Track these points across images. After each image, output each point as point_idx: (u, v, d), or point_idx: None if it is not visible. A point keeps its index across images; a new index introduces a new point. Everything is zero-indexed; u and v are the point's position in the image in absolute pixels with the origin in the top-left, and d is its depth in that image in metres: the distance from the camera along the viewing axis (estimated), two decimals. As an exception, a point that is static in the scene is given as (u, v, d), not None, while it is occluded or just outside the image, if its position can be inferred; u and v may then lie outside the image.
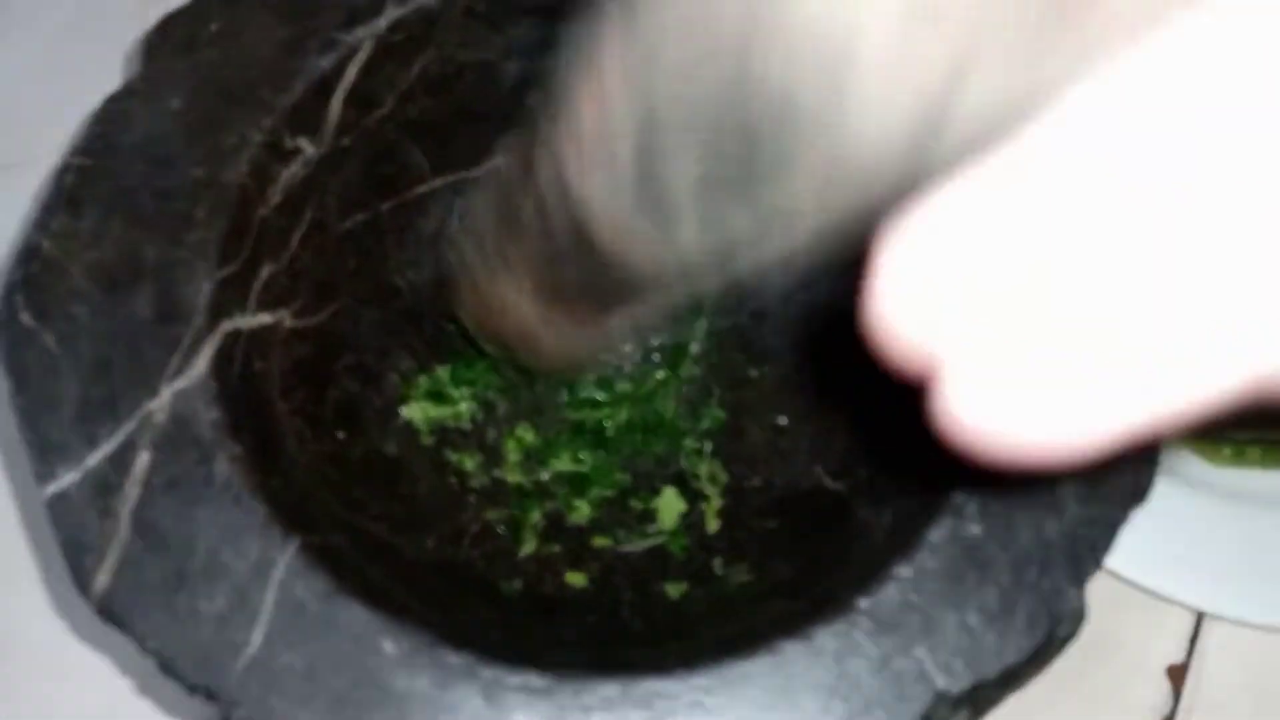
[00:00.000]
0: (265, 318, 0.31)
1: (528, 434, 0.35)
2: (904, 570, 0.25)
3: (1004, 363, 0.12)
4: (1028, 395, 0.12)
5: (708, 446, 0.35)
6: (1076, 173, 0.12)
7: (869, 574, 0.25)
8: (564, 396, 0.36)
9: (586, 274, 0.25)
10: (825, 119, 0.17)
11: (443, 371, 0.36)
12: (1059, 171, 0.12)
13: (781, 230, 0.20)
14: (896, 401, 0.30)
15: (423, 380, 0.35)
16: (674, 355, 0.36)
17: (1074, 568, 0.25)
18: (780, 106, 0.17)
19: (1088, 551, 0.25)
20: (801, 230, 0.19)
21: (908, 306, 0.12)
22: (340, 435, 0.32)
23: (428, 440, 0.35)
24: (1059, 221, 0.12)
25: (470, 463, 0.35)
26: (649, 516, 0.34)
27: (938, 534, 0.25)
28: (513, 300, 0.29)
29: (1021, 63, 0.14)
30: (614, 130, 0.21)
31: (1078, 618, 0.24)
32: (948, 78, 0.15)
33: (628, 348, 0.36)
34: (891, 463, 0.29)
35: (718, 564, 0.31)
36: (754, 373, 0.36)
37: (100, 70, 0.49)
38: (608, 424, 0.35)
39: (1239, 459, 0.37)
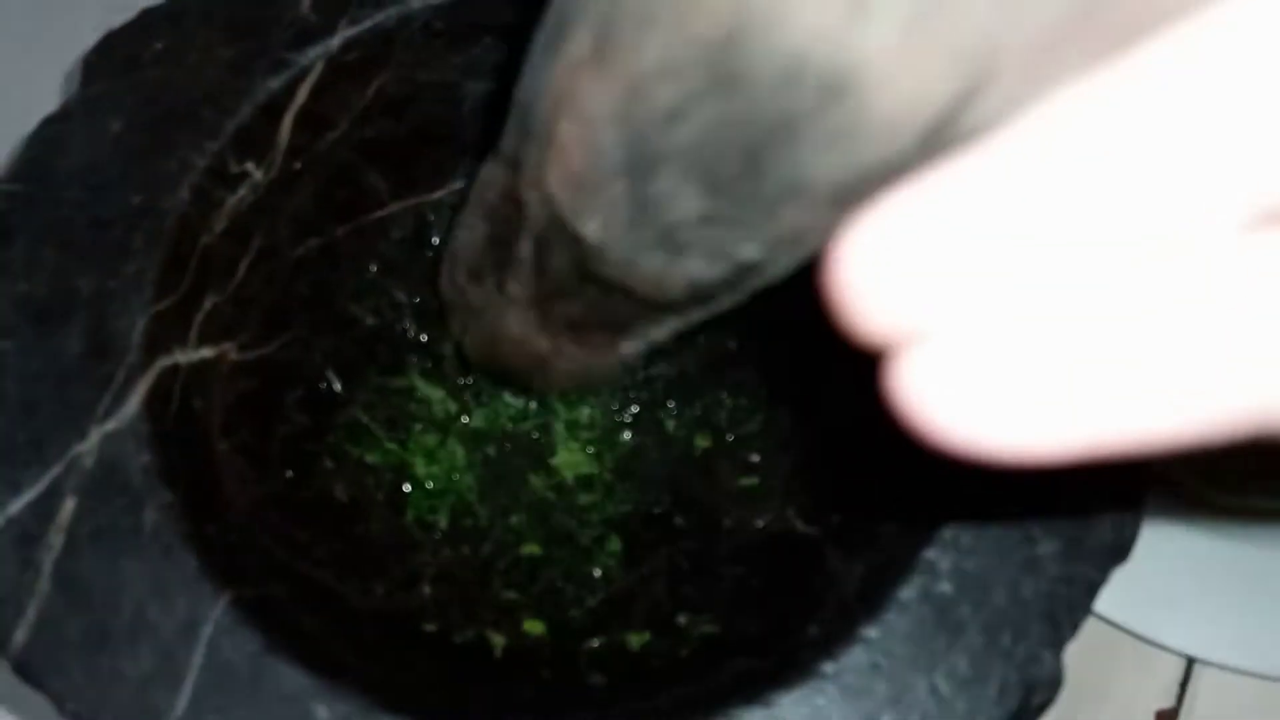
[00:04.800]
0: (207, 351, 0.29)
1: (489, 468, 0.34)
2: (871, 631, 0.23)
3: (977, 348, 0.11)
4: (995, 387, 0.11)
5: (676, 483, 0.33)
6: (1072, 166, 0.11)
7: (835, 634, 0.24)
8: (528, 425, 0.34)
9: (596, 305, 0.24)
10: (829, 142, 0.15)
11: (400, 401, 0.34)
12: (1054, 163, 0.11)
13: (793, 250, 0.19)
14: (872, 437, 0.29)
15: (379, 411, 0.34)
16: (647, 385, 0.35)
17: (1051, 630, 0.23)
18: (780, 133, 0.16)
19: (1065, 613, 0.23)
20: (813, 246, 0.18)
21: (881, 269, 0.11)
22: (288, 474, 0.31)
23: (385, 476, 0.33)
24: (1054, 215, 0.11)
25: (429, 500, 0.33)
26: (613, 555, 0.32)
27: (908, 592, 0.24)
28: (519, 332, 0.28)
29: (1046, 63, 0.13)
30: (605, 172, 0.19)
31: (1054, 684, 0.23)
32: (961, 90, 0.14)
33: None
34: (866, 507, 0.27)
35: (683, 612, 0.29)
36: (727, 402, 0.34)
37: (59, 87, 0.47)
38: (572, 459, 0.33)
39: (1231, 500, 0.36)
